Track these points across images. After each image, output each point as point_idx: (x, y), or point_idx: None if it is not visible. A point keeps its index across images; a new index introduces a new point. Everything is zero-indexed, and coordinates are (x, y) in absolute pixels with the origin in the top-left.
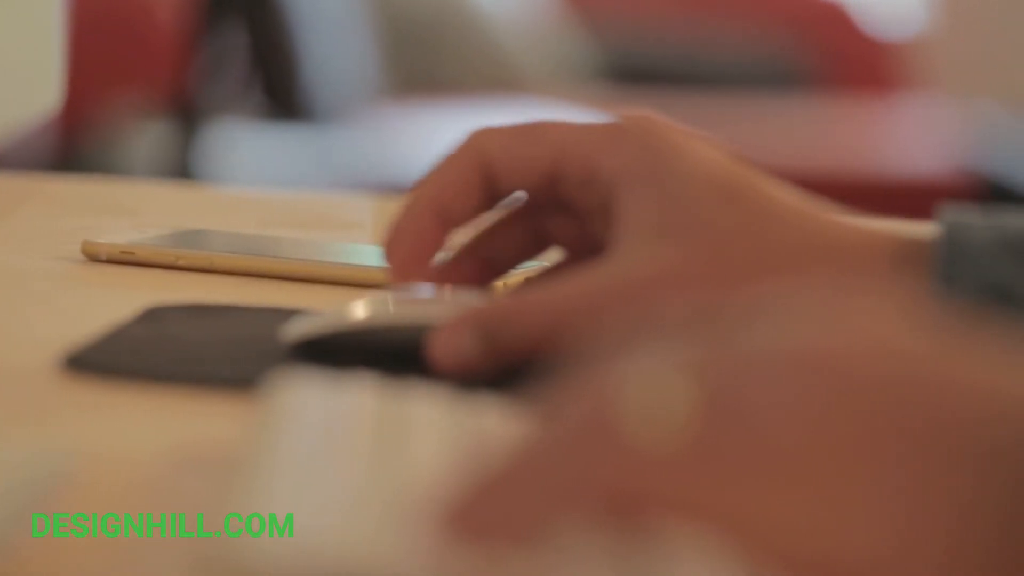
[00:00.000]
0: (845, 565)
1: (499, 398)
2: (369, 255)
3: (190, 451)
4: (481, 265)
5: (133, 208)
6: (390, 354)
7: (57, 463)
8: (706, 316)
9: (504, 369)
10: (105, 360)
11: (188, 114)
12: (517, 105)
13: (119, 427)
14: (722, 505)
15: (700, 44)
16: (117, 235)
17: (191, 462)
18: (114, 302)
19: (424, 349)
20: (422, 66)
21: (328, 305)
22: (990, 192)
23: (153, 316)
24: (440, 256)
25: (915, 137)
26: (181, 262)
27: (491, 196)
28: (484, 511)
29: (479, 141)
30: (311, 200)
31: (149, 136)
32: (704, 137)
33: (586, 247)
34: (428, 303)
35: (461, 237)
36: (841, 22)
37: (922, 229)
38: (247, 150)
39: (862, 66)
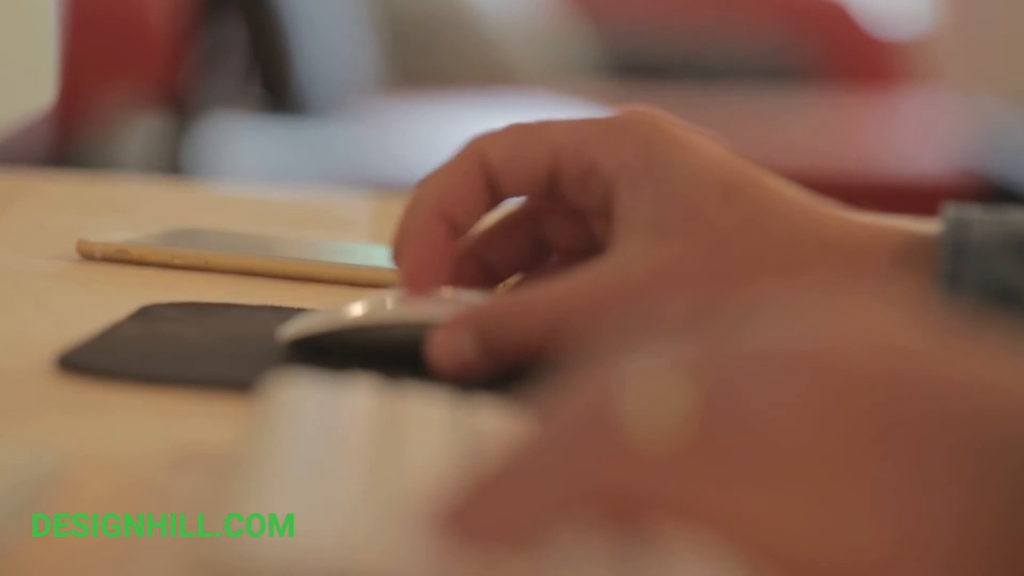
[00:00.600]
0: (846, 566)
1: (498, 398)
2: (365, 254)
3: (185, 451)
4: (480, 270)
5: (128, 206)
6: (388, 353)
7: (50, 464)
8: (705, 315)
9: (503, 370)
10: (98, 360)
11: (183, 109)
12: (515, 100)
13: (113, 427)
14: (720, 506)
15: (701, 39)
16: (112, 234)
17: (186, 463)
18: (109, 301)
19: (422, 348)
20: (420, 60)
21: (324, 304)
22: (993, 191)
23: (147, 314)
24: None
25: (917, 135)
26: (176, 261)
27: (494, 200)
28: (481, 512)
29: (479, 146)
30: (306, 198)
31: (144, 131)
32: (704, 132)
33: (586, 250)
34: (426, 302)
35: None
36: (842, 19)
37: (926, 226)
38: (243, 144)
39: (864, 63)
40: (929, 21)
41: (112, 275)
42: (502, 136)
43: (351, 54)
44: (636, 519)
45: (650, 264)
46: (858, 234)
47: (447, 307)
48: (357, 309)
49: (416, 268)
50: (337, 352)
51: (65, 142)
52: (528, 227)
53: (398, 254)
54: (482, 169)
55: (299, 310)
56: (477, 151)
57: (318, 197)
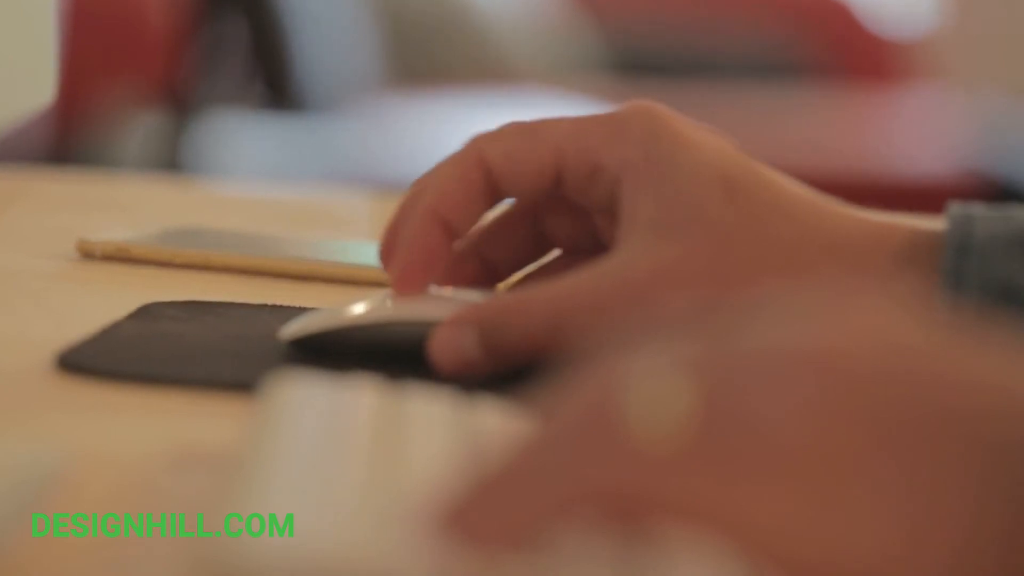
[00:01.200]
0: (852, 568)
1: (499, 398)
2: (366, 253)
3: (185, 451)
4: (481, 268)
5: (128, 205)
6: (389, 352)
7: (50, 464)
8: (707, 314)
9: (504, 369)
10: (97, 360)
11: (183, 106)
12: (516, 97)
13: (112, 427)
14: (722, 506)
15: (703, 36)
16: (112, 233)
17: (186, 463)
18: (109, 301)
19: (423, 347)
20: (420, 57)
21: (325, 303)
22: (996, 189)
23: (147, 314)
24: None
25: (920, 133)
26: (176, 260)
27: (492, 201)
28: (481, 512)
29: (478, 146)
30: (307, 197)
31: (144, 128)
32: (706, 128)
33: (588, 246)
34: (426, 301)
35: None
36: (845, 16)
37: (931, 224)
38: (243, 142)
39: (867, 61)
40: (933, 19)
41: (112, 274)
42: (502, 137)
43: (351, 51)
44: (637, 519)
45: (652, 263)
46: (862, 232)
47: (448, 306)
48: (358, 308)
49: (408, 269)
50: (338, 351)
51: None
52: (528, 223)
53: (387, 254)
54: (482, 170)
55: (300, 309)
56: (476, 151)
57: (318, 196)
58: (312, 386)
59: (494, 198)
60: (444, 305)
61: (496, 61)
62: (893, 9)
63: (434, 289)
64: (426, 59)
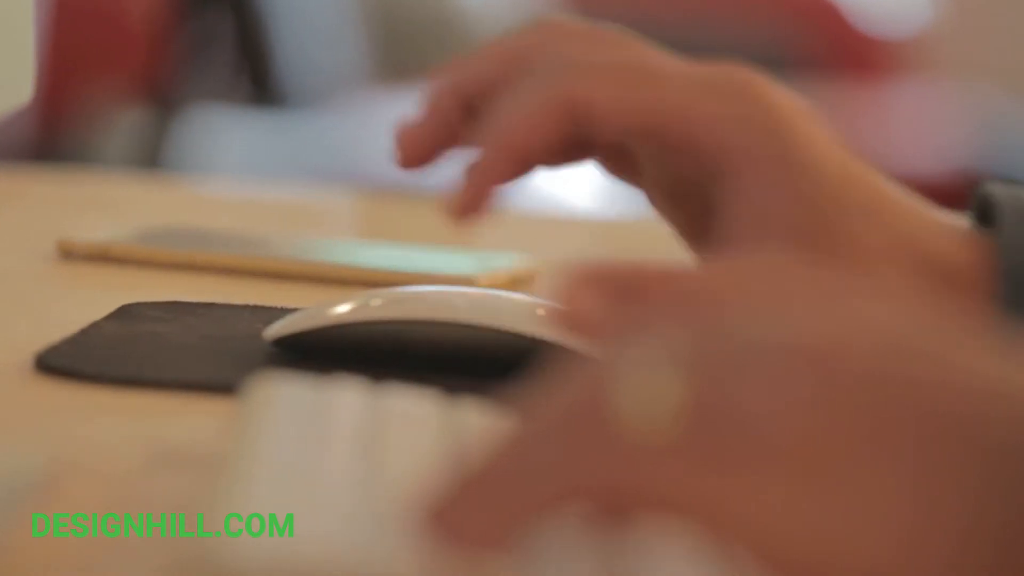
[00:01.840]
0: (843, 569)
1: (484, 398)
2: (350, 252)
3: (166, 453)
4: (510, 154)
5: (110, 204)
6: (373, 352)
7: (30, 466)
8: (706, 313)
9: (496, 367)
10: (75, 362)
11: (166, 102)
12: None
13: (92, 429)
14: (713, 500)
15: (694, 33)
16: (93, 232)
17: (167, 464)
18: (90, 301)
19: (406, 346)
20: (407, 53)
21: (309, 303)
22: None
23: (127, 314)
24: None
25: (914, 130)
26: (158, 259)
27: (575, 137)
28: (467, 510)
29: (573, 83)
30: (290, 196)
31: (127, 125)
32: (809, 114)
33: (629, 181)
34: (410, 299)
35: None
36: (838, 13)
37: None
38: (227, 138)
39: (860, 57)
40: (928, 15)
41: (93, 275)
42: (605, 78)
43: (337, 47)
44: (626, 514)
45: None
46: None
47: (432, 305)
48: (342, 308)
49: (416, 142)
50: (322, 351)
51: (47, 137)
52: (576, 126)
53: (403, 132)
54: (569, 108)
55: (283, 309)
56: (569, 90)
57: (302, 195)
58: (295, 386)
59: (577, 133)
60: (429, 304)
61: None
62: (886, 6)
63: (414, 287)
64: (412, 55)
